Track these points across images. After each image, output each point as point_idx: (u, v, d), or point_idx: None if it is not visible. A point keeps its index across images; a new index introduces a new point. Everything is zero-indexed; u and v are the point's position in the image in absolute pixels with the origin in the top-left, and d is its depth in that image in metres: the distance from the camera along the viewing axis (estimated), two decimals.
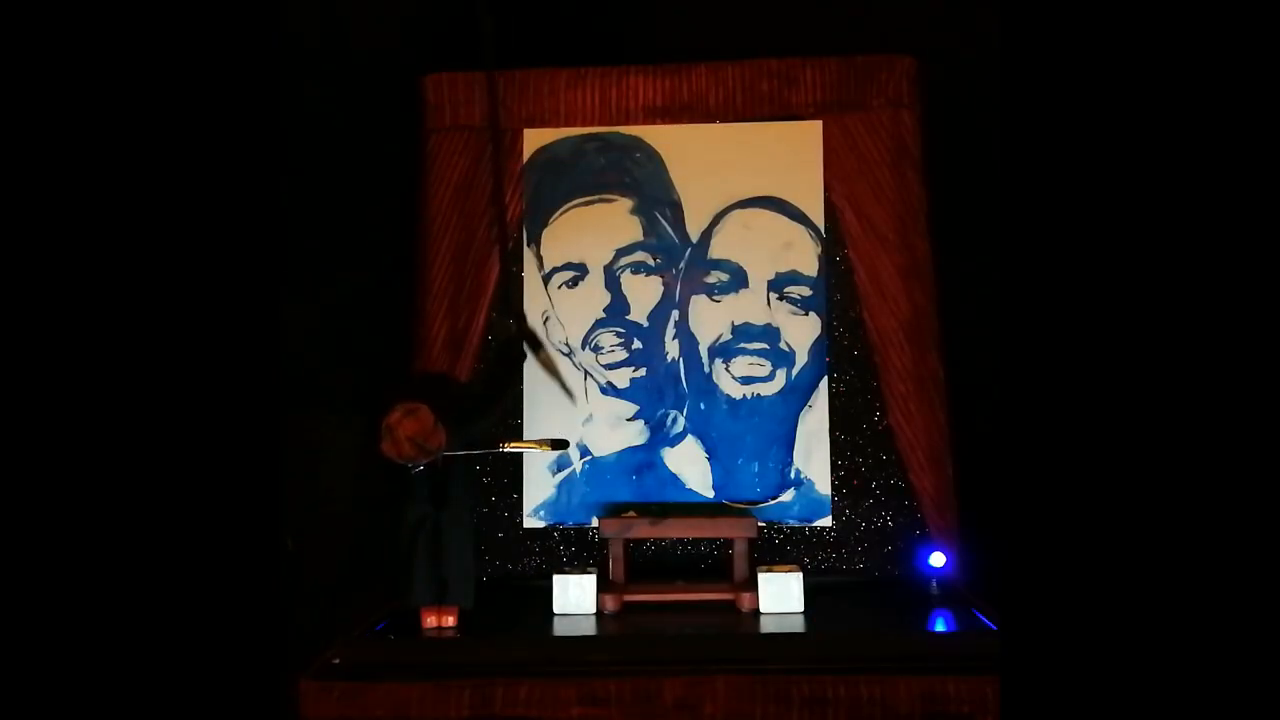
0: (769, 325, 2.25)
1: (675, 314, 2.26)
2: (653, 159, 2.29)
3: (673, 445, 2.24)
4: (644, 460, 2.24)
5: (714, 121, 2.28)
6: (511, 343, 2.19)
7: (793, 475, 2.21)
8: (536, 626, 1.86)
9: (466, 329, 2.25)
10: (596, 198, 2.29)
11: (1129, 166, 1.08)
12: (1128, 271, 1.07)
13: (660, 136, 2.29)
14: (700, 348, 2.25)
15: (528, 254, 2.28)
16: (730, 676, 1.60)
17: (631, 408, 2.25)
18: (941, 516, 2.15)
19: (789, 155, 2.27)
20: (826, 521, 2.20)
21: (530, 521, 2.22)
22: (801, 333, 2.24)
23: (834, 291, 2.25)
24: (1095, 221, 1.08)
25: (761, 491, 2.21)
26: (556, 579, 1.94)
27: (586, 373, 2.26)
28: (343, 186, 2.30)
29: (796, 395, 2.23)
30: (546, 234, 2.28)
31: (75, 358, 1.04)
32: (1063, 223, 1.09)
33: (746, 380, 2.24)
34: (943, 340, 2.20)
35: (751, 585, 1.93)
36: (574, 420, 2.24)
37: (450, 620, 1.82)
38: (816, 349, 2.24)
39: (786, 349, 2.24)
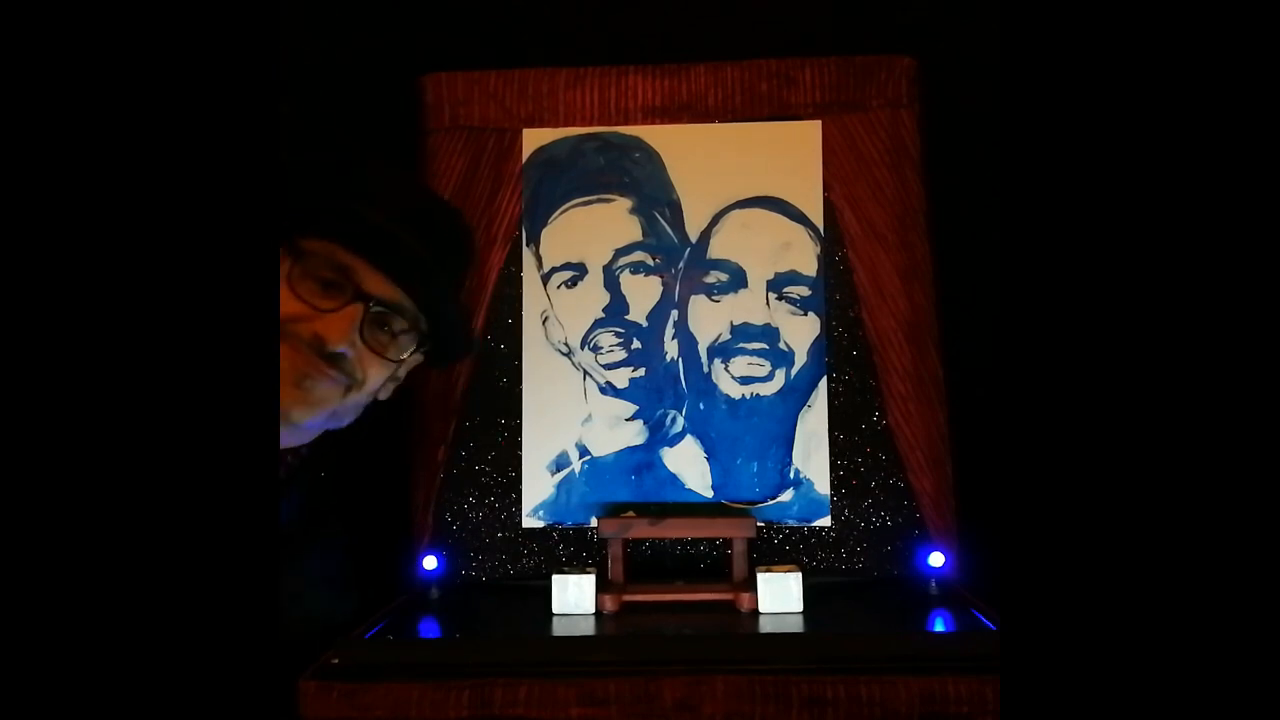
0: (768, 325, 2.24)
1: (674, 314, 2.26)
2: (652, 159, 2.29)
3: (672, 445, 2.24)
4: (643, 460, 2.23)
5: (713, 121, 2.28)
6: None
7: (792, 475, 2.21)
8: (535, 627, 1.85)
9: None
10: (595, 198, 2.29)
11: (1130, 166, 1.08)
12: (1129, 272, 1.07)
13: (659, 136, 2.29)
14: (699, 348, 2.25)
15: (527, 254, 2.28)
16: (730, 676, 1.60)
17: (630, 408, 2.25)
18: (941, 516, 2.15)
19: (788, 155, 2.26)
20: (826, 521, 2.19)
21: (529, 522, 2.22)
22: (801, 333, 2.24)
23: (833, 291, 2.24)
24: (1096, 221, 1.08)
25: (760, 491, 2.21)
26: (555, 579, 1.93)
27: (586, 373, 2.25)
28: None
29: (796, 395, 2.23)
30: (545, 234, 2.28)
31: (62, 346, 1.03)
32: (1063, 222, 1.09)
33: (746, 380, 2.24)
34: (943, 340, 2.20)
35: (750, 585, 1.93)
36: (573, 420, 2.24)
37: None
38: (816, 349, 2.23)
39: (786, 349, 2.24)
